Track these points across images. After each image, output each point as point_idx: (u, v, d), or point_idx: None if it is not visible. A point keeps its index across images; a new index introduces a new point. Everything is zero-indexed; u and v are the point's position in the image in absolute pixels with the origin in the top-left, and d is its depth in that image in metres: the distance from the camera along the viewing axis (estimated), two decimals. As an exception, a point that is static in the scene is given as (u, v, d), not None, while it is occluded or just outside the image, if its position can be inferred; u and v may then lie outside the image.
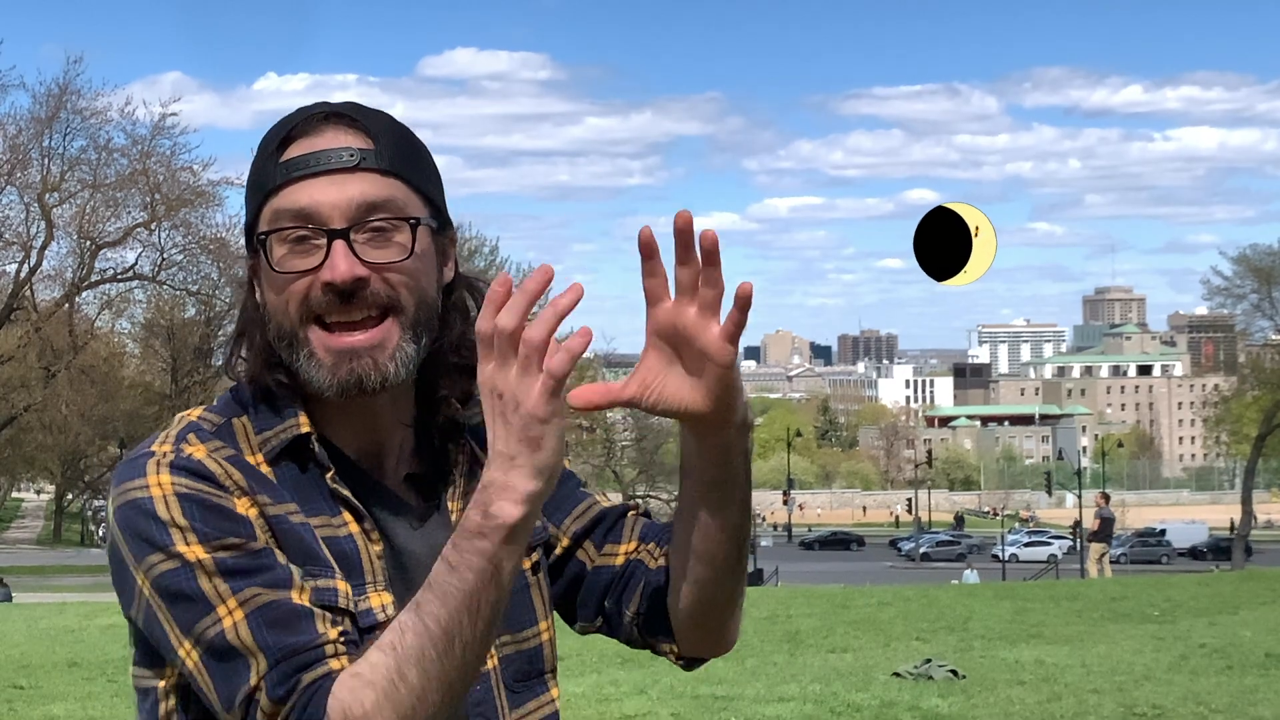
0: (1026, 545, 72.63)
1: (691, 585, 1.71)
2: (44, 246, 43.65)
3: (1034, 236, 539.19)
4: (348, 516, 1.61)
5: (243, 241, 1.69)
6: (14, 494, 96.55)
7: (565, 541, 1.82)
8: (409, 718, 1.44)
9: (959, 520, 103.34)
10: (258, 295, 1.66)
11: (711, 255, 1.50)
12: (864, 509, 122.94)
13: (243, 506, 1.55)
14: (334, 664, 1.48)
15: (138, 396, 53.38)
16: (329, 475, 1.61)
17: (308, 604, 1.52)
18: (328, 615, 1.52)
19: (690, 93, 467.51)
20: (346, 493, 1.61)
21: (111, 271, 46.02)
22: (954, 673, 10.35)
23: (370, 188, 1.60)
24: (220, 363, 1.77)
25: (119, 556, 1.56)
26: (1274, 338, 56.80)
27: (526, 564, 1.74)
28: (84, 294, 46.41)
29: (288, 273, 1.59)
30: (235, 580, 1.51)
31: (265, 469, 1.60)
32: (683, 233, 1.51)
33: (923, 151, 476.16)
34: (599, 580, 1.80)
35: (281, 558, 1.54)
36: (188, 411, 1.68)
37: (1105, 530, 26.41)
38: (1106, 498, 27.59)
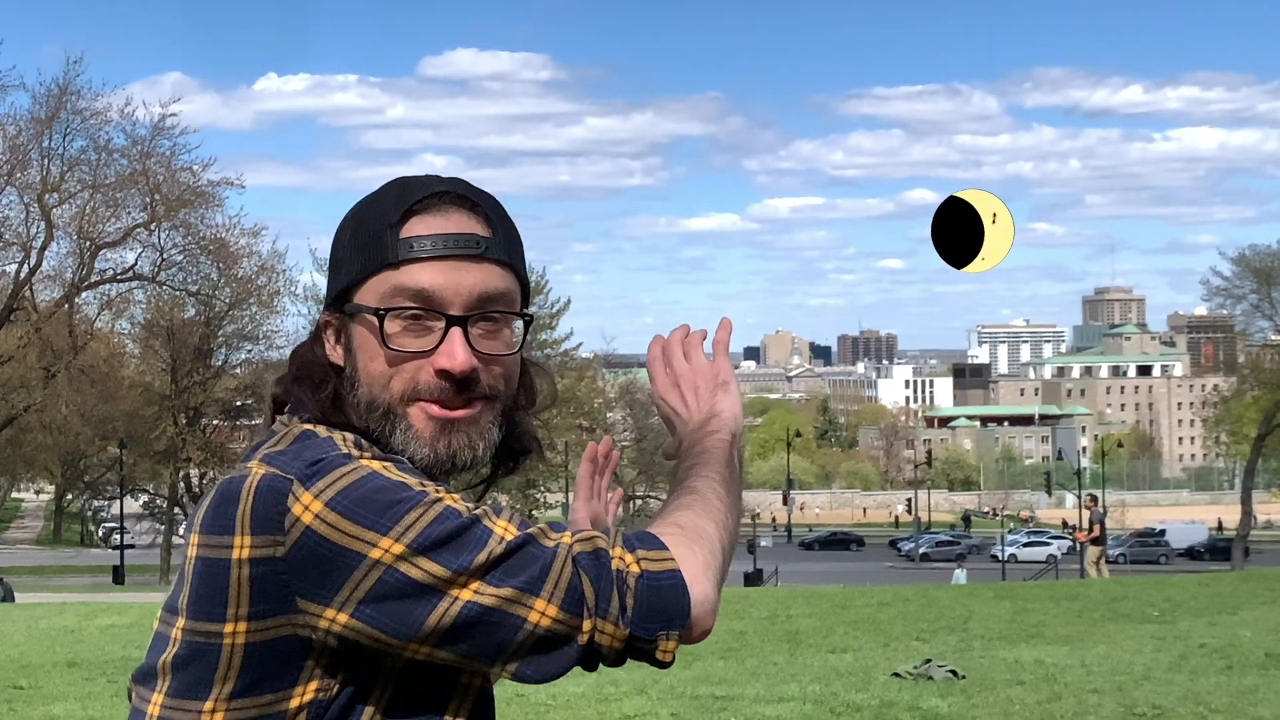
0: (1026, 545, 72.64)
1: None
2: (44, 247, 43.64)
3: (1034, 236, 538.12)
4: None
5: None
6: (14, 494, 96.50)
7: None
8: (723, 528, 1.63)
9: (967, 520, 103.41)
10: (334, 354, 1.67)
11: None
12: (864, 510, 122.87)
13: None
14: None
15: (138, 396, 53.33)
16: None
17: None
18: None
19: (691, 93, 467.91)
20: None
21: (111, 272, 46.02)
22: (954, 673, 10.35)
23: (490, 278, 1.63)
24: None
25: (327, 548, 1.48)
26: (1274, 338, 56.80)
27: None
28: (84, 294, 46.40)
29: (402, 351, 1.61)
30: (495, 508, 1.55)
31: None
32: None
33: (923, 151, 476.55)
34: None
35: None
36: (304, 426, 1.62)
37: (1101, 531, 26.54)
38: (1095, 499, 27.77)
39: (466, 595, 1.47)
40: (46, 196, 43.14)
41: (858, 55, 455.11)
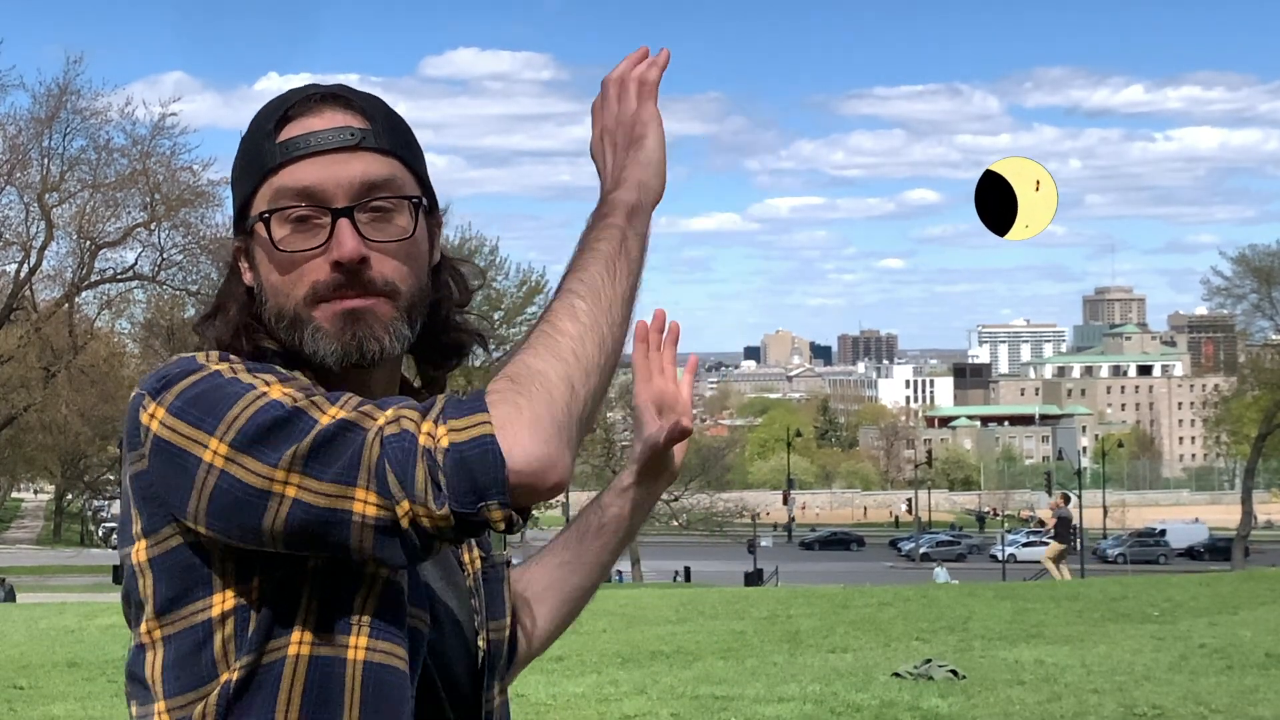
0: (1025, 545, 72.62)
1: (555, 623, 1.95)
2: (44, 246, 43.58)
3: (1034, 236, 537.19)
4: None
5: None
6: (14, 494, 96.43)
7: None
8: (572, 365, 1.47)
9: (981, 520, 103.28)
10: (246, 276, 1.66)
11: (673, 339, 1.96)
12: (865, 510, 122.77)
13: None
14: None
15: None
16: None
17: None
18: None
19: (692, 93, 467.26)
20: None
21: (111, 271, 45.94)
22: (954, 673, 10.35)
23: (371, 166, 1.60)
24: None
25: (172, 451, 1.48)
26: (1274, 338, 56.79)
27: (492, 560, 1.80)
28: (84, 294, 46.32)
29: (291, 252, 1.59)
30: (329, 397, 1.49)
31: None
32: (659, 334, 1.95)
33: (924, 151, 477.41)
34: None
35: None
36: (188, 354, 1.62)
37: (1063, 530, 26.59)
38: (1066, 499, 28.01)
39: (291, 493, 1.43)
40: (46, 196, 43.09)
41: (858, 55, 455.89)
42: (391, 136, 1.63)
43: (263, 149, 1.61)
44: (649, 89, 1.69)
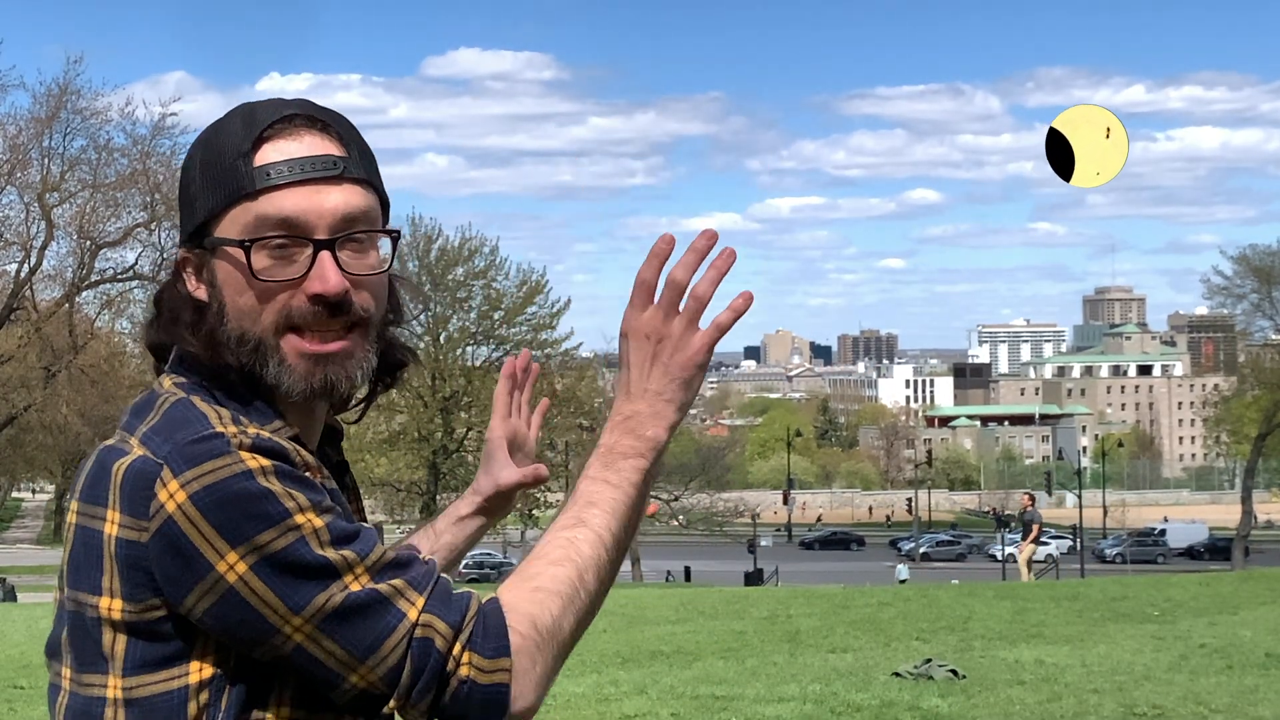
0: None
1: None
2: (44, 246, 43.61)
3: (1035, 236, 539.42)
4: None
5: None
6: (14, 494, 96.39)
7: None
8: (584, 621, 1.58)
9: (998, 520, 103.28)
10: (198, 292, 1.63)
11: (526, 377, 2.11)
12: (869, 509, 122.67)
13: (318, 479, 1.56)
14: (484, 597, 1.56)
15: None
16: (321, 473, 1.59)
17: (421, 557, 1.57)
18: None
19: (693, 93, 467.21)
20: (334, 486, 1.62)
21: (111, 271, 45.97)
22: (954, 673, 10.35)
23: (352, 198, 1.59)
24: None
25: (184, 544, 1.47)
26: (1274, 338, 56.83)
27: None
28: (84, 294, 46.36)
29: (272, 281, 1.57)
30: (355, 545, 1.51)
31: None
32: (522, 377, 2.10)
33: (925, 151, 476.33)
34: None
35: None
36: (177, 394, 1.60)
37: (1027, 532, 26.65)
38: (1033, 498, 28.13)
39: (299, 639, 1.48)
40: (47, 196, 43.12)
41: (860, 55, 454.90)
42: (365, 164, 1.63)
43: (238, 169, 1.58)
44: (717, 331, 1.65)
